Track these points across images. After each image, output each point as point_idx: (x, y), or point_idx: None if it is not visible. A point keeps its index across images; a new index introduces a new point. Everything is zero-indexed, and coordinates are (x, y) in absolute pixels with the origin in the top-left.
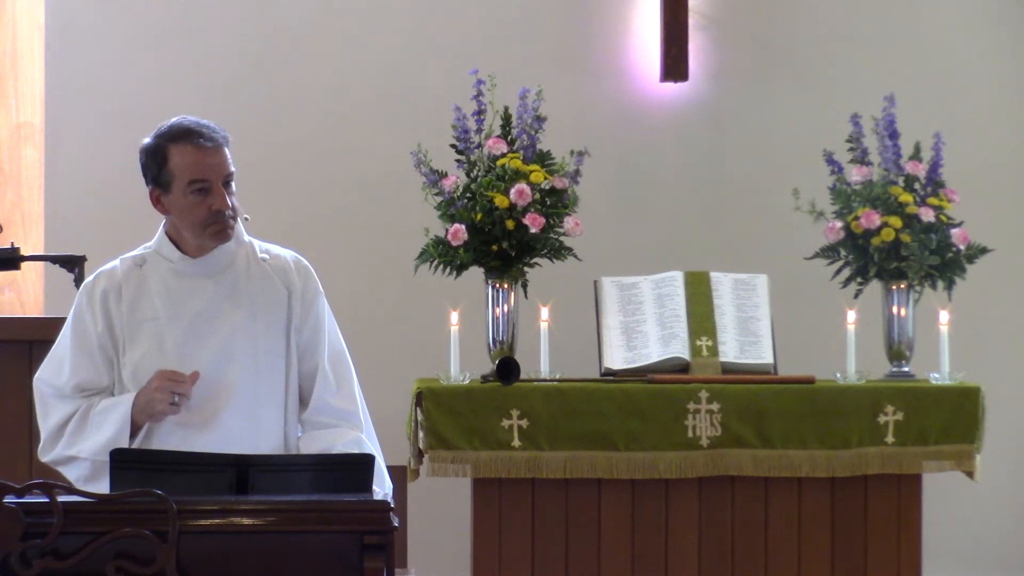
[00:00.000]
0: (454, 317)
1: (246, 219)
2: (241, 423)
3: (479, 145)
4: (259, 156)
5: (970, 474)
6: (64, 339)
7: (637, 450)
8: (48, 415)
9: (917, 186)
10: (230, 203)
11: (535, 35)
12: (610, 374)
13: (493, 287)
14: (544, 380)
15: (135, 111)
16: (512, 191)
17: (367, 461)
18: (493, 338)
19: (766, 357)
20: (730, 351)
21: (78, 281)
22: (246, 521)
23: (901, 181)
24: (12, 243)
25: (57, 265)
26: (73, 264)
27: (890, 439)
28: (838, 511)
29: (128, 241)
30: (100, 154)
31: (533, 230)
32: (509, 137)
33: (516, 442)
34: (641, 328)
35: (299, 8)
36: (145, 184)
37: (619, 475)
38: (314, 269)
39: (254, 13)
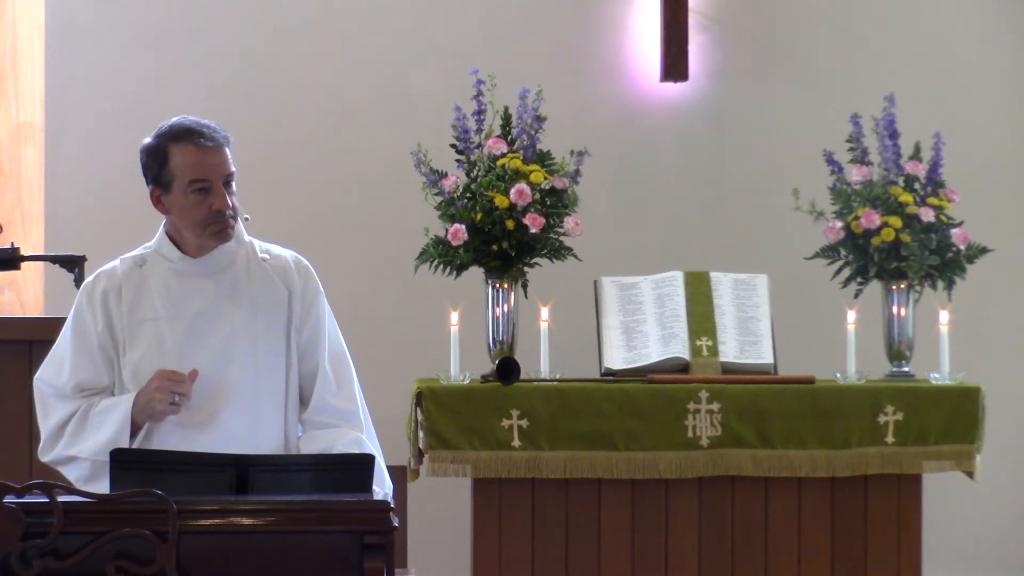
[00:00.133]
0: (454, 317)
1: (246, 219)
2: (241, 423)
3: (479, 145)
4: (259, 156)
5: (970, 474)
6: (64, 339)
7: (637, 450)
8: (48, 415)
9: (917, 186)
10: (230, 203)
11: (535, 35)
12: (610, 374)
13: (493, 287)
14: (544, 380)
15: (135, 111)
16: (512, 191)
17: (367, 461)
18: (493, 338)
19: (766, 357)
20: (730, 351)
21: (78, 281)
22: (246, 521)
23: (901, 181)
24: (12, 243)
25: (57, 265)
26: (73, 264)
27: (890, 439)
28: (838, 511)
29: (128, 241)
30: (100, 154)
31: (533, 230)
32: (509, 137)
33: (516, 442)
34: (641, 328)
35: (299, 8)
36: (145, 184)
37: (619, 475)
38: (314, 269)
39: (254, 13)
